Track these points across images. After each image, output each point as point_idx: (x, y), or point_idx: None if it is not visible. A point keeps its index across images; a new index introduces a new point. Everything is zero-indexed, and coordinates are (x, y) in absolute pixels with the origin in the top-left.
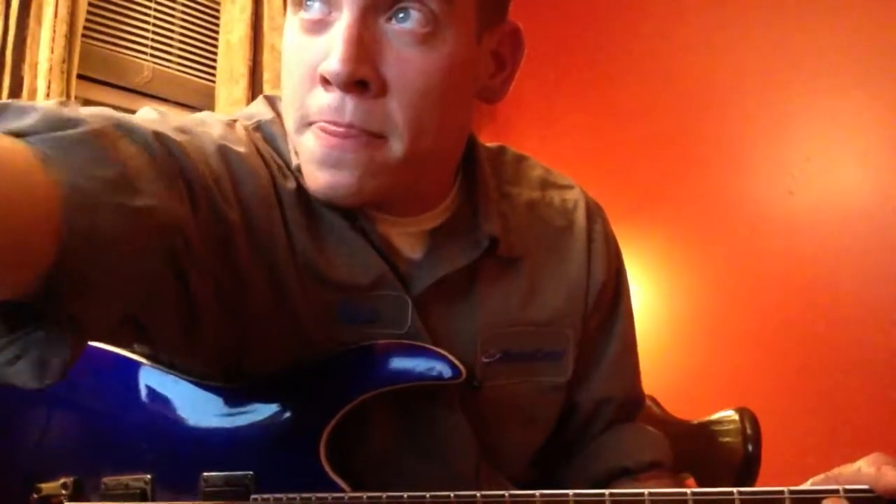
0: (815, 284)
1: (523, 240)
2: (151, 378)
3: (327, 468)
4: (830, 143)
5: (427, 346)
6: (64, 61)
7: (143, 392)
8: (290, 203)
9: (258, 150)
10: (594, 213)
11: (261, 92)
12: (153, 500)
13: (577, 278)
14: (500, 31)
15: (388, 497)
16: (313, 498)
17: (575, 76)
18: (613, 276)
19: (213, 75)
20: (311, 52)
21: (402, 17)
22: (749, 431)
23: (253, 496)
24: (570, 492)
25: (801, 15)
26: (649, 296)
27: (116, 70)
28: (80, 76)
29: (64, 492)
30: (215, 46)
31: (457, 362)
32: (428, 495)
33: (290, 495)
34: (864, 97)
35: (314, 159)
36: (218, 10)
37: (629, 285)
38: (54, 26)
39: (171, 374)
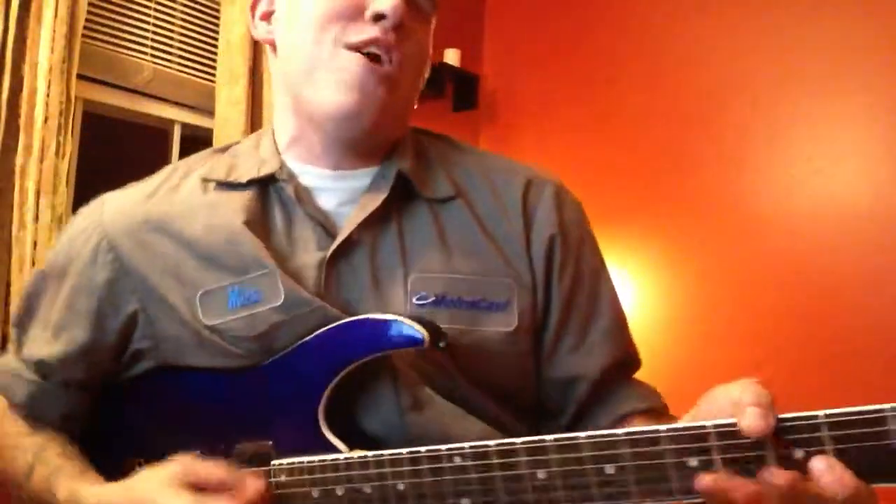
0: (814, 284)
1: (452, 187)
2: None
3: (328, 433)
4: (830, 144)
5: (386, 315)
6: (64, 61)
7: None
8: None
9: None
10: (543, 180)
11: (261, 92)
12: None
13: (515, 231)
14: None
15: (391, 455)
16: (326, 461)
17: (574, 78)
18: (574, 237)
19: (213, 75)
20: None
21: (421, 6)
22: None
23: (273, 462)
24: (582, 434)
25: (802, 16)
26: (648, 296)
27: (116, 70)
28: (80, 76)
29: (138, 469)
30: (215, 46)
31: (418, 327)
32: (444, 448)
33: (302, 459)
34: (864, 98)
35: (350, 80)
36: (218, 10)
37: (598, 248)
38: (54, 26)
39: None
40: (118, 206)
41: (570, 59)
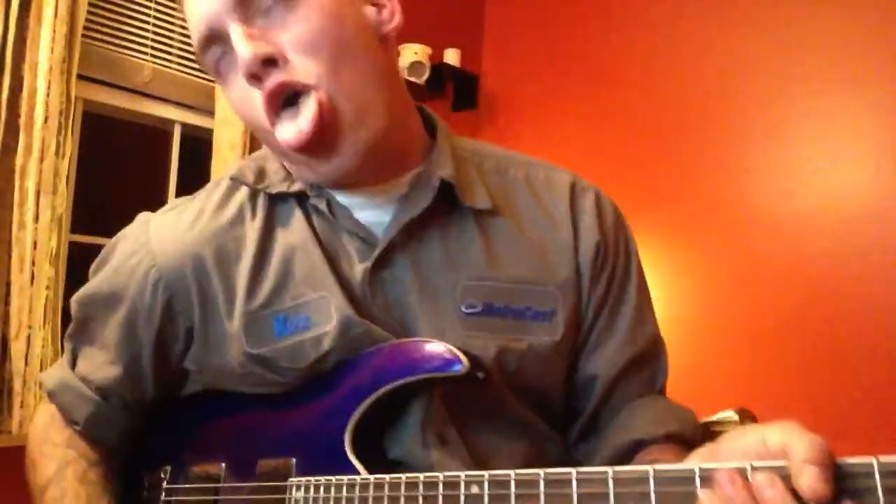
0: (815, 284)
1: (495, 197)
2: (218, 398)
3: (351, 455)
4: (830, 144)
5: (430, 340)
6: (64, 61)
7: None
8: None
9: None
10: (585, 187)
11: None
12: (225, 483)
13: (563, 240)
14: None
15: (407, 479)
16: (343, 480)
17: (574, 78)
18: (611, 238)
19: None
20: (235, 83)
21: (272, 4)
22: None
23: (290, 479)
24: (609, 469)
25: (802, 16)
26: None
27: (116, 70)
28: (80, 76)
29: (164, 476)
30: None
31: (460, 354)
32: (463, 475)
33: (319, 478)
34: (864, 98)
35: (298, 147)
36: None
37: (637, 253)
38: (54, 26)
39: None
40: (166, 233)
41: (569, 60)
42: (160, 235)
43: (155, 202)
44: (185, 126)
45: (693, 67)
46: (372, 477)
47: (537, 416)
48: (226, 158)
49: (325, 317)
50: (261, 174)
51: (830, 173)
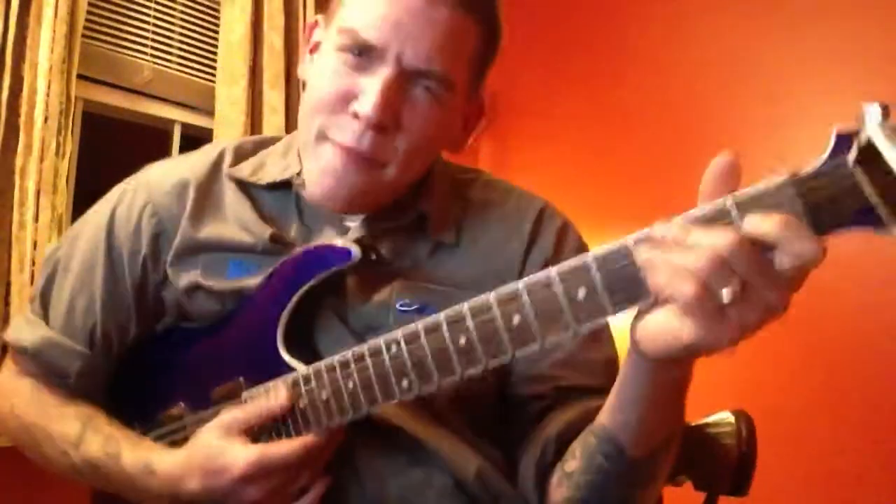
0: (813, 285)
1: (459, 231)
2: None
3: (287, 356)
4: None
5: (321, 243)
6: (64, 61)
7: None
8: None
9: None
10: (554, 214)
11: (260, 91)
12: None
13: (514, 249)
14: (475, 100)
15: (340, 359)
16: (286, 380)
17: (574, 78)
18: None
19: (213, 75)
20: (349, 84)
21: (423, 83)
22: (745, 434)
23: (243, 394)
24: (519, 282)
25: (802, 15)
26: None
27: (116, 70)
28: (80, 76)
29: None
30: (215, 46)
31: (349, 244)
32: (382, 340)
33: (267, 384)
34: (863, 97)
35: (327, 169)
36: (218, 10)
37: None
38: (54, 26)
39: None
40: (162, 173)
41: (570, 60)
42: (157, 176)
43: None
44: (185, 126)
45: (694, 68)
46: (310, 368)
47: (462, 416)
48: None
49: (268, 263)
50: (256, 168)
51: None
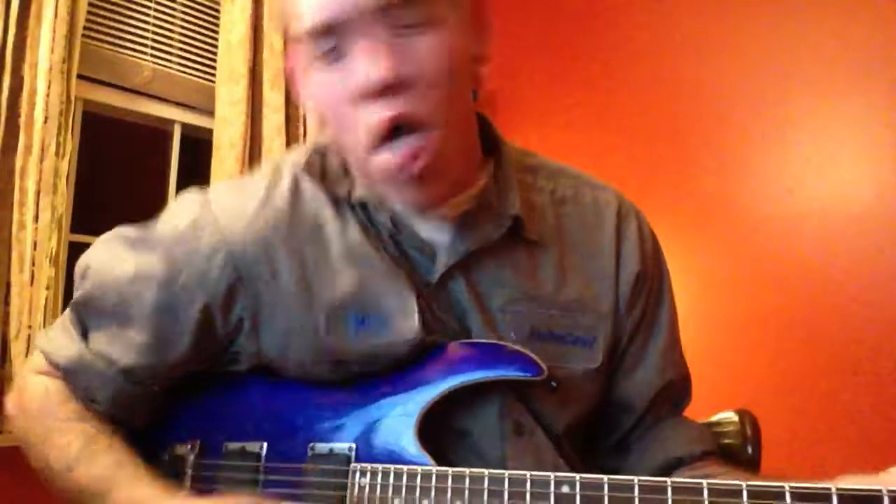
0: (815, 284)
1: (550, 228)
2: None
3: (419, 444)
4: (830, 143)
5: (511, 346)
6: (64, 61)
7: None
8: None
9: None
10: (628, 211)
11: (261, 91)
12: (266, 463)
13: (607, 268)
14: (463, 9)
15: (490, 474)
16: (417, 470)
17: (574, 78)
18: (650, 268)
19: (213, 75)
20: (339, 82)
21: (401, 23)
22: (749, 433)
23: (354, 465)
24: (668, 480)
25: (801, 15)
26: None
27: (116, 70)
28: (80, 76)
29: (191, 450)
30: (215, 46)
31: (539, 361)
32: (552, 475)
33: (388, 465)
34: (863, 97)
35: (394, 177)
36: (218, 10)
37: (670, 282)
38: (54, 26)
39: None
40: (234, 213)
41: (570, 60)
42: (229, 214)
43: (155, 202)
44: (185, 126)
45: (694, 68)
46: (450, 469)
47: (568, 439)
48: (226, 158)
49: (403, 322)
50: (323, 172)
51: (830, 173)
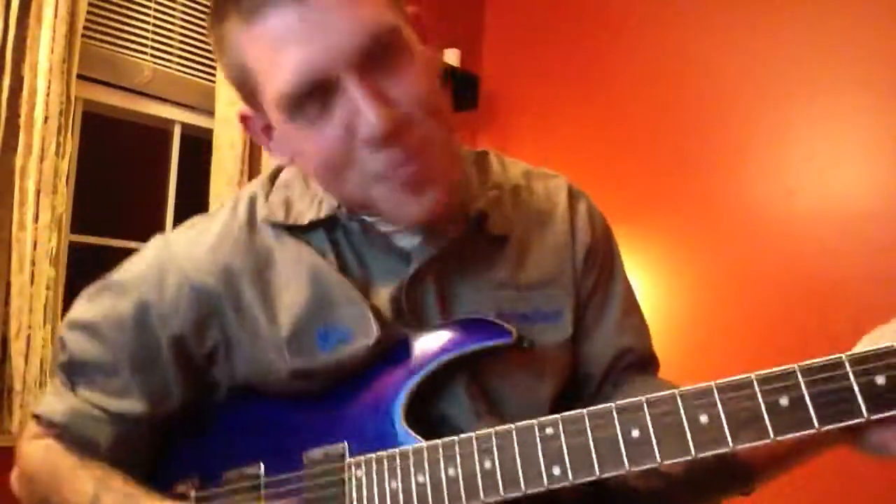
0: (815, 284)
1: (509, 220)
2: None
3: (406, 428)
4: (830, 143)
5: (477, 316)
6: (64, 61)
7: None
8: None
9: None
10: (578, 192)
11: None
12: (267, 483)
13: (563, 245)
14: (403, 13)
15: (477, 435)
16: (407, 450)
17: (574, 78)
18: (600, 242)
19: (213, 75)
20: (329, 136)
21: (377, 56)
22: None
23: (348, 460)
24: (643, 398)
25: (802, 15)
26: (649, 297)
27: (116, 70)
28: (80, 76)
29: (191, 486)
30: None
31: (507, 326)
32: (535, 421)
33: (380, 454)
34: (864, 97)
35: (400, 197)
36: None
37: (621, 258)
38: (54, 26)
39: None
40: (193, 249)
41: (570, 60)
42: (188, 251)
43: (155, 202)
44: (185, 126)
45: (694, 68)
46: (438, 441)
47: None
48: (226, 158)
49: (362, 328)
50: (288, 208)
51: (830, 173)
